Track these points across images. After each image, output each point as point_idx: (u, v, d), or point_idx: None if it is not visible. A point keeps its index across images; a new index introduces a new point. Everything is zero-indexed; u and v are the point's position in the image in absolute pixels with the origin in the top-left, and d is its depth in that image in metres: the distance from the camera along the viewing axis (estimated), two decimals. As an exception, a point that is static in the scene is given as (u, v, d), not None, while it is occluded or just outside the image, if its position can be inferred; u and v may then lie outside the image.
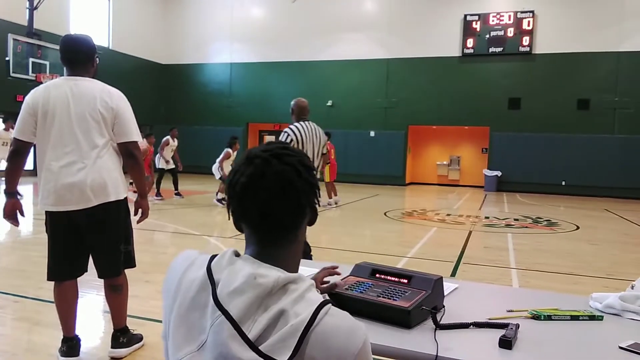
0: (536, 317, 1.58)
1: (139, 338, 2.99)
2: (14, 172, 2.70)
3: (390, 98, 19.14)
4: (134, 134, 2.71)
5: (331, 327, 0.84)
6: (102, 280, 2.82)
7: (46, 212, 2.65)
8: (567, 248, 7.00)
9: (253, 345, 0.82)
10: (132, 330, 2.96)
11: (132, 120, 2.73)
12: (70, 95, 2.59)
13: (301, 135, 4.42)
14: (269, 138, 22.60)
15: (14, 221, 2.74)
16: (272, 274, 0.88)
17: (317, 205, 0.99)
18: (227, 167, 10.63)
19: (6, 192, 2.72)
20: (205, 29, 21.61)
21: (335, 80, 19.72)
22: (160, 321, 3.35)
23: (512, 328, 1.42)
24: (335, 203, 11.50)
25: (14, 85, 14.62)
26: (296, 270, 0.96)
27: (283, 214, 0.93)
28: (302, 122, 4.53)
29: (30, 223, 7.24)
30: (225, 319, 0.84)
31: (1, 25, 14.86)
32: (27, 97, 2.65)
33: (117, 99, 2.67)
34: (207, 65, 21.78)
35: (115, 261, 2.74)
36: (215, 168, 10.84)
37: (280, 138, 4.41)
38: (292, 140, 4.36)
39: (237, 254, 0.95)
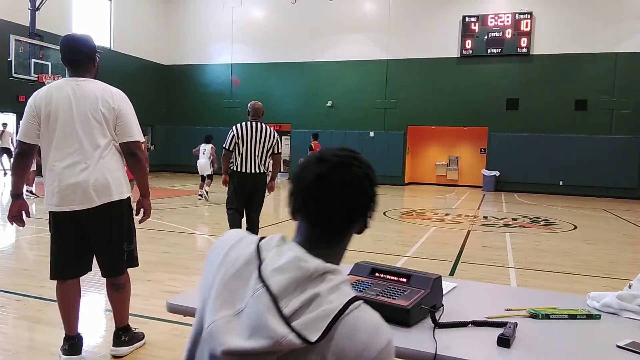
0: (534, 316, 1.61)
1: (140, 337, 3.00)
2: (21, 174, 2.72)
3: (389, 99, 19.17)
4: (136, 133, 2.73)
5: (360, 321, 0.89)
6: (105, 279, 2.84)
7: (50, 212, 2.66)
8: (565, 247, 7.03)
9: (286, 321, 0.87)
10: (133, 329, 2.97)
11: (134, 120, 2.74)
12: (72, 96, 2.60)
13: (244, 132, 5.24)
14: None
15: (20, 222, 2.75)
16: (314, 261, 0.93)
17: (370, 218, 1.04)
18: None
19: (13, 193, 2.73)
20: (206, 29, 21.62)
21: (335, 81, 19.74)
22: (162, 319, 3.39)
23: (510, 327, 1.44)
24: None
25: (16, 86, 14.62)
26: (338, 264, 1.02)
27: (338, 218, 0.99)
28: (250, 122, 5.31)
29: (32, 222, 7.25)
30: (264, 292, 0.89)
31: (3, 25, 14.86)
32: (29, 100, 2.66)
33: (118, 99, 2.68)
34: (208, 66, 21.79)
35: (118, 260, 2.76)
36: (206, 164, 11.40)
37: (228, 133, 5.33)
38: (234, 135, 5.25)
39: (284, 240, 1.01)
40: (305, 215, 1.01)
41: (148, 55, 21.49)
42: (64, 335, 2.75)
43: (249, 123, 5.31)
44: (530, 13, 17.32)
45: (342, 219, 0.99)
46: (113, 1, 19.90)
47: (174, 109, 22.17)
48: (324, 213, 0.98)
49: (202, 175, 11.53)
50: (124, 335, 2.87)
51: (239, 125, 5.31)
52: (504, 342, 1.37)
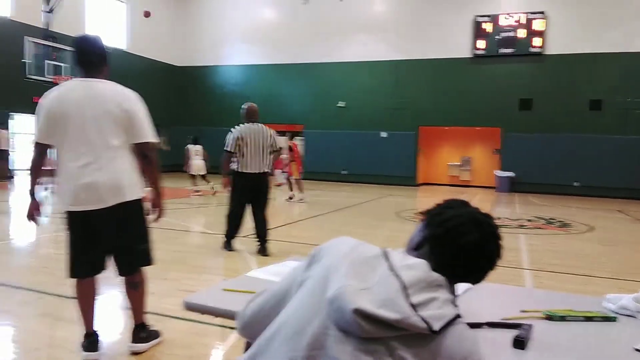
0: (550, 317, 1.61)
1: (157, 334, 3.04)
2: (37, 174, 2.79)
3: (400, 99, 19.12)
4: (148, 134, 2.74)
5: (466, 332, 1.04)
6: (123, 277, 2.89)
7: (65, 211, 2.70)
8: (581, 249, 6.97)
9: (413, 306, 0.99)
10: (149, 326, 3.01)
11: (146, 121, 2.76)
12: (84, 97, 2.62)
13: (245, 133, 5.44)
14: (280, 139, 22.63)
15: (37, 220, 2.81)
16: (435, 274, 1.08)
17: (482, 279, 1.25)
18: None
19: (30, 193, 2.80)
20: (219, 31, 21.75)
21: (346, 82, 19.74)
22: (178, 318, 3.43)
23: (525, 328, 1.44)
24: (290, 198, 11.93)
25: (31, 87, 14.84)
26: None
27: (469, 272, 1.21)
28: (248, 123, 5.54)
29: (52, 222, 7.37)
30: (395, 279, 1.03)
31: (18, 27, 15.08)
32: (42, 101, 2.69)
33: (131, 100, 2.70)
34: (221, 67, 21.91)
35: (132, 259, 2.80)
36: (202, 164, 12.45)
37: (227, 136, 5.51)
38: (235, 137, 5.43)
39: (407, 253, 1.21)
40: (445, 258, 1.17)
41: (162, 56, 21.67)
42: (84, 332, 2.79)
43: (248, 124, 5.50)
44: (543, 12, 17.17)
45: (471, 272, 1.21)
46: (128, 3, 20.09)
47: (189, 110, 22.33)
48: (461, 264, 1.17)
49: (195, 175, 12.40)
50: (142, 332, 2.91)
51: (239, 127, 5.47)
52: (520, 343, 1.37)
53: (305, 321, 1.03)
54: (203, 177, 12.46)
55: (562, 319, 1.60)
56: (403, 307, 0.98)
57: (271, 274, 2.01)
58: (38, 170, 2.79)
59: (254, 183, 5.49)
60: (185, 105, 22.44)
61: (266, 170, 5.54)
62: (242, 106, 5.74)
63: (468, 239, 1.16)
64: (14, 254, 5.58)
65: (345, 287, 1.01)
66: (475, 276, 1.23)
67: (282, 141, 6.71)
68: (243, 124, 5.55)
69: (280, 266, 2.16)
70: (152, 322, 3.37)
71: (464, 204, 1.26)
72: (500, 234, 1.22)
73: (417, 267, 1.07)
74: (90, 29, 18.00)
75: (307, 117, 20.39)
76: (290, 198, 11.87)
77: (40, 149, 2.71)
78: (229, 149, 5.46)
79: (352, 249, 1.12)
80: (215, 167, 9.82)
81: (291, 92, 20.49)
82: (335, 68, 19.92)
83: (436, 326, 0.97)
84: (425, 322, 0.97)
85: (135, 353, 2.87)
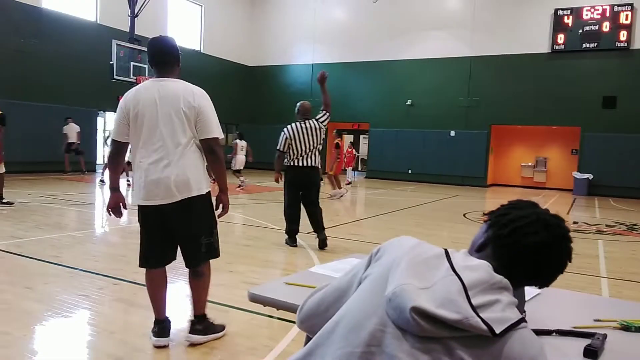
0: (626, 328, 1.51)
1: (219, 328, 3.06)
2: (115, 170, 3.01)
3: (472, 97, 18.56)
4: (215, 131, 2.82)
5: (530, 337, 0.99)
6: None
7: (138, 205, 2.86)
8: (667, 259, 6.45)
9: (473, 307, 0.97)
10: (212, 320, 3.05)
11: (214, 117, 2.84)
12: (157, 96, 2.75)
13: (295, 132, 5.70)
14: (347, 137, 22.72)
15: (118, 213, 2.98)
16: (499, 275, 1.05)
17: (550, 283, 1.19)
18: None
19: (110, 187, 2.99)
20: (290, 31, 22.14)
21: (416, 79, 19.44)
22: (242, 309, 3.53)
23: (599, 338, 1.37)
24: (333, 196, 11.76)
25: (117, 87, 15.83)
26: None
27: (534, 275, 1.15)
28: (300, 122, 5.78)
29: (131, 213, 7.84)
30: (457, 280, 1.01)
31: (107, 31, 16.15)
32: (120, 101, 2.88)
33: (199, 98, 2.79)
34: (290, 67, 22.31)
35: (197, 251, 2.87)
36: (244, 159, 13.17)
37: (280, 138, 5.76)
38: (286, 137, 5.70)
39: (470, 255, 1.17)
40: (507, 262, 1.13)
41: (234, 57, 22.39)
42: (155, 319, 2.94)
43: (299, 124, 5.76)
44: (632, 4, 16.01)
45: (535, 274, 1.15)
46: (204, 6, 20.92)
47: (258, 109, 22.91)
48: (531, 270, 1.13)
49: (237, 169, 13.04)
50: (199, 324, 2.96)
51: (289, 126, 5.75)
52: (592, 353, 1.30)
53: (363, 317, 1.03)
54: (237, 171, 13.17)
55: (640, 330, 1.50)
56: (463, 308, 0.96)
57: (332, 270, 2.03)
58: (116, 165, 3.00)
59: (304, 175, 5.76)
60: (256, 103, 23.04)
61: (315, 164, 5.79)
62: (297, 104, 5.99)
63: (534, 239, 1.11)
64: (95, 243, 5.98)
65: (404, 285, 1.00)
66: (542, 280, 1.16)
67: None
68: (296, 121, 5.81)
69: (341, 263, 2.17)
70: (218, 312, 3.49)
71: (532, 204, 1.20)
72: (570, 236, 1.16)
73: (480, 269, 1.04)
74: (171, 32, 18.93)
75: (373, 116, 20.29)
76: (332, 196, 11.77)
77: (116, 146, 2.90)
78: (279, 148, 5.76)
79: (412, 248, 1.11)
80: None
81: (359, 90, 20.47)
82: (404, 65, 19.67)
83: (498, 329, 0.94)
84: (487, 324, 0.94)
85: (192, 344, 2.94)
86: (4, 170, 7.94)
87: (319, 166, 5.90)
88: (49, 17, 15.30)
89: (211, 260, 3.00)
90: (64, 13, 15.72)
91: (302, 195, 5.86)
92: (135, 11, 15.65)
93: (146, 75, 14.64)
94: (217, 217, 3.00)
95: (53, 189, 11.10)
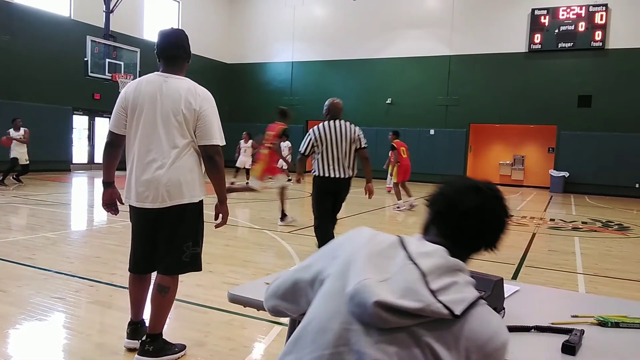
0: (603, 323, 1.53)
1: (176, 349, 2.76)
2: (110, 163, 2.76)
3: (451, 95, 18.74)
4: (216, 137, 2.63)
5: (488, 314, 1.03)
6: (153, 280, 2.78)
7: (129, 205, 2.70)
8: (640, 254, 6.61)
9: (433, 293, 0.99)
10: (168, 341, 2.74)
11: (215, 123, 2.65)
12: (159, 92, 2.58)
13: (323, 134, 4.80)
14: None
15: (113, 210, 2.82)
16: (452, 258, 1.08)
17: (498, 243, 1.22)
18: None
19: (104, 182, 2.79)
20: (269, 28, 22.05)
21: (395, 78, 19.55)
22: (222, 310, 3.49)
23: (576, 334, 1.38)
24: (398, 207, 10.46)
25: (92, 84, 15.56)
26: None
27: (478, 237, 1.19)
28: (329, 122, 4.86)
29: (105, 213, 7.70)
30: (414, 268, 1.03)
31: (81, 27, 15.85)
32: (122, 91, 2.71)
33: (201, 101, 2.60)
34: (269, 64, 22.21)
35: (180, 259, 2.67)
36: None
37: (304, 139, 4.94)
38: (311, 139, 4.82)
39: (422, 238, 1.19)
40: (451, 233, 1.17)
41: (212, 54, 22.19)
42: (129, 320, 2.86)
43: (328, 123, 4.83)
44: (606, 5, 16.36)
45: (484, 240, 1.19)
46: (181, 3, 20.68)
47: (237, 107, 22.76)
48: (474, 234, 1.18)
49: (242, 168, 13.73)
50: (150, 344, 2.65)
51: (316, 127, 4.84)
52: (569, 349, 1.31)
53: (328, 319, 1.04)
54: (247, 171, 13.47)
55: (616, 325, 1.52)
56: (424, 295, 0.98)
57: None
58: (110, 158, 2.75)
59: (336, 188, 4.92)
60: (234, 101, 22.88)
61: (350, 175, 4.94)
62: (325, 103, 5.08)
63: (468, 204, 1.17)
64: (70, 244, 5.86)
65: (364, 281, 1.01)
66: (488, 241, 1.20)
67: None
68: (324, 122, 4.90)
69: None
70: (198, 313, 3.45)
71: (461, 178, 1.25)
72: (501, 195, 1.22)
73: (435, 254, 1.07)
74: (147, 29, 18.68)
75: (353, 114, 20.28)
76: (399, 207, 10.45)
77: (112, 137, 2.70)
78: (302, 152, 4.91)
79: (368, 241, 1.12)
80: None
81: (338, 88, 20.46)
82: (383, 64, 19.76)
83: (457, 310, 0.97)
84: (447, 307, 0.97)
85: (130, 349, 2.77)
86: None
87: (352, 176, 5.04)
88: (21, 12, 14.95)
89: (191, 273, 2.82)
90: (36, 8, 15.37)
91: (331, 206, 5.06)
92: (111, 7, 15.40)
93: (122, 72, 14.41)
94: (215, 227, 2.88)
95: (25, 189, 10.85)
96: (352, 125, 4.90)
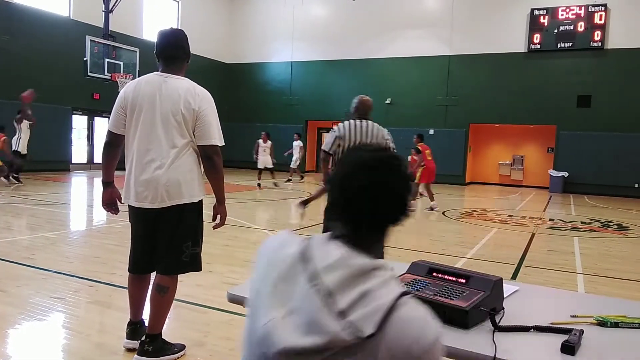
0: (602, 323, 1.53)
1: (175, 349, 2.76)
2: (109, 163, 2.76)
3: (451, 95, 18.73)
4: (215, 137, 2.63)
5: (410, 315, 0.90)
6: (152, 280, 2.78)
7: (128, 205, 2.70)
8: (639, 254, 6.61)
9: (340, 316, 0.89)
10: (168, 341, 2.75)
11: (214, 123, 2.64)
12: (158, 92, 2.58)
13: (349, 131, 4.35)
14: (327, 135, 22.73)
15: (113, 209, 2.81)
16: (362, 258, 0.96)
17: (406, 212, 1.05)
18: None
19: (103, 182, 2.79)
20: (268, 28, 22.03)
21: (395, 78, 19.54)
22: (222, 310, 3.49)
23: (575, 334, 1.38)
24: (431, 209, 10.35)
25: (92, 84, 15.54)
26: (382, 258, 1.03)
27: (371, 213, 1.01)
28: (356, 120, 4.44)
29: (105, 213, 7.70)
30: (316, 290, 0.92)
31: (80, 27, 15.84)
32: (121, 91, 2.71)
33: (200, 101, 2.60)
34: (269, 64, 22.20)
35: (176, 260, 2.67)
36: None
37: (328, 134, 4.49)
38: (337, 136, 4.39)
39: (328, 238, 1.03)
40: (342, 213, 1.03)
41: (212, 54, 22.17)
42: (128, 321, 2.86)
43: (355, 122, 4.45)
44: (605, 5, 16.36)
45: (374, 213, 1.01)
46: (180, 2, 20.67)
47: (236, 107, 22.75)
48: (358, 209, 1.01)
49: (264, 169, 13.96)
50: (150, 344, 2.66)
51: (342, 124, 4.45)
52: (569, 349, 1.31)
53: (249, 355, 1.01)
54: (270, 171, 13.90)
55: (616, 325, 1.52)
56: (330, 326, 0.88)
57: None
58: (109, 158, 2.75)
59: None
60: (233, 101, 22.87)
61: None
62: (353, 100, 4.76)
63: (357, 184, 1.01)
64: (69, 244, 5.86)
65: (268, 324, 0.93)
66: (391, 217, 1.03)
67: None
68: (351, 120, 4.55)
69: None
70: (197, 313, 3.45)
71: (355, 150, 1.08)
72: (395, 164, 1.03)
73: (339, 265, 0.94)
74: (147, 29, 18.67)
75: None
76: (432, 208, 10.34)
77: (112, 137, 2.70)
78: (326, 149, 4.49)
79: (272, 257, 1.03)
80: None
81: (338, 88, 20.48)
82: (383, 64, 19.75)
83: (368, 329, 0.87)
84: (355, 332, 0.87)
85: (130, 349, 2.77)
86: None
87: None
88: (21, 12, 14.92)
89: (190, 273, 2.82)
90: (36, 8, 15.34)
91: None
92: (110, 7, 15.39)
93: (121, 72, 14.41)
94: (213, 228, 2.87)
95: (25, 189, 10.84)
96: (381, 128, 4.50)
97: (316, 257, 0.98)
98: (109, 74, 14.16)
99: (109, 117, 2.78)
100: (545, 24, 17.14)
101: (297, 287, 0.96)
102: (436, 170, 11.42)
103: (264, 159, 13.93)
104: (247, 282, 1.08)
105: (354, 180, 1.01)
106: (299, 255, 1.00)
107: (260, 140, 14.13)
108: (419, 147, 10.99)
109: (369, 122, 4.46)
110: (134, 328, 2.84)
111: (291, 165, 16.14)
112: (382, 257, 1.04)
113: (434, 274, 1.67)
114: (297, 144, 16.54)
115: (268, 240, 1.11)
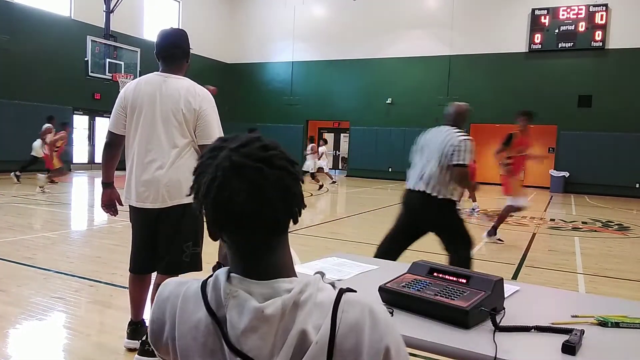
0: (603, 323, 1.52)
1: None
2: (109, 164, 2.76)
3: (451, 95, 18.69)
4: (215, 137, 2.54)
5: (353, 325, 0.79)
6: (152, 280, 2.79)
7: (129, 205, 2.70)
8: (640, 254, 6.61)
9: None
10: None
11: (215, 122, 2.65)
12: (158, 92, 2.58)
13: (424, 136, 4.05)
14: (328, 135, 22.74)
15: (112, 211, 2.81)
16: (277, 301, 0.79)
17: (302, 207, 0.87)
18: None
19: (103, 182, 2.79)
20: (269, 28, 22.03)
21: (396, 78, 19.53)
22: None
23: (576, 334, 1.37)
24: (474, 210, 10.57)
25: (92, 84, 15.54)
26: (293, 269, 0.87)
27: (279, 218, 0.83)
28: (446, 126, 3.99)
29: (105, 213, 7.70)
30: None
31: (81, 27, 15.84)
32: (121, 91, 2.71)
33: (200, 100, 2.60)
34: (269, 64, 22.20)
35: (177, 260, 2.66)
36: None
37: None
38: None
39: (227, 276, 0.85)
40: (243, 230, 0.82)
41: (213, 54, 22.18)
42: (129, 320, 2.86)
43: (436, 127, 4.07)
44: (606, 5, 16.35)
45: (282, 215, 0.83)
46: (181, 2, 20.68)
47: (237, 107, 22.75)
48: (262, 218, 0.81)
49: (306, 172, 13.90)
50: (150, 344, 2.76)
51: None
52: (569, 349, 1.30)
53: None
54: (312, 175, 13.84)
55: (616, 325, 1.52)
56: None
57: (313, 269, 2.01)
58: (109, 159, 2.75)
59: (408, 204, 3.88)
60: (234, 101, 22.87)
61: (424, 190, 3.68)
62: (451, 109, 4.34)
63: (235, 199, 0.80)
64: (70, 244, 5.86)
65: None
66: (284, 222, 0.84)
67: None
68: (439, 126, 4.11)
69: (322, 262, 2.16)
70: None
71: (216, 149, 0.87)
72: (279, 161, 0.83)
73: (257, 325, 0.79)
74: (148, 28, 18.67)
75: (353, 114, 20.32)
76: (473, 209, 10.77)
77: (112, 138, 2.70)
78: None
79: (180, 328, 0.86)
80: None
81: (339, 88, 20.48)
82: (383, 64, 19.75)
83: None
84: None
85: (130, 349, 2.78)
86: None
87: (438, 197, 3.72)
88: (22, 12, 14.93)
89: (193, 273, 2.80)
90: (37, 8, 15.35)
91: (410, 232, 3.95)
92: (111, 7, 15.40)
93: (122, 72, 14.41)
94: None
95: (25, 189, 10.85)
96: (451, 136, 3.81)
97: (228, 319, 0.80)
98: (110, 74, 14.16)
99: (109, 118, 2.78)
100: (546, 24, 17.13)
101: None
102: (481, 171, 11.63)
103: (310, 162, 14.16)
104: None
105: (229, 194, 0.81)
106: (210, 321, 0.82)
107: (312, 146, 14.60)
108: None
109: (445, 127, 4.02)
110: (135, 328, 2.83)
111: (325, 171, 15.93)
112: (291, 265, 0.88)
113: (435, 274, 1.67)
114: (322, 149, 16.53)
115: (161, 301, 0.90)
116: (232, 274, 0.85)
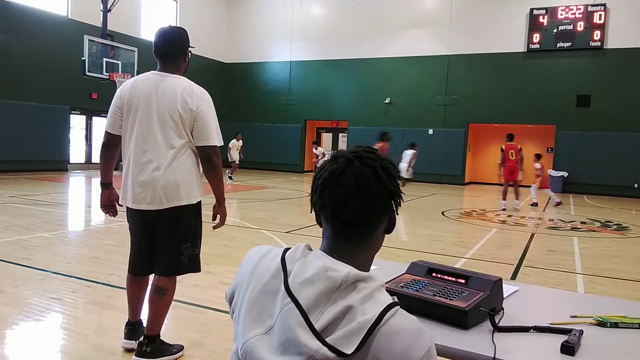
0: (602, 324, 1.52)
1: (173, 350, 2.74)
2: (107, 164, 2.73)
3: (450, 95, 18.74)
4: (214, 137, 2.58)
5: (396, 329, 0.85)
6: (150, 282, 2.77)
7: (126, 206, 2.68)
8: (638, 254, 6.61)
9: (319, 335, 0.83)
10: (165, 342, 2.73)
11: (213, 123, 2.60)
12: (155, 92, 2.53)
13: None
14: (326, 135, 22.75)
15: (111, 211, 2.79)
16: (343, 269, 0.89)
17: (395, 214, 1.00)
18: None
19: (101, 183, 2.76)
20: (267, 28, 22.02)
21: (394, 78, 19.53)
22: (220, 310, 3.48)
23: (575, 334, 1.37)
24: (514, 208, 10.89)
25: (90, 84, 15.52)
26: (367, 270, 0.95)
27: (355, 212, 0.94)
28: None
29: (102, 213, 7.68)
30: (294, 306, 0.86)
31: (78, 26, 15.81)
32: (117, 90, 2.68)
33: (198, 100, 2.55)
34: (267, 64, 22.19)
35: (175, 261, 2.64)
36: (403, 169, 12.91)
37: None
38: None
39: (310, 248, 0.97)
40: (325, 214, 0.97)
41: (211, 53, 22.15)
42: (126, 321, 2.85)
43: None
44: (604, 5, 16.36)
45: (360, 211, 0.94)
46: (179, 1, 20.66)
47: (235, 107, 22.74)
48: (339, 206, 0.94)
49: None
50: (147, 345, 2.63)
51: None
52: (568, 349, 1.30)
53: None
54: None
55: (615, 325, 1.51)
56: (306, 343, 0.83)
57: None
58: (107, 159, 2.72)
59: None
60: (232, 101, 22.86)
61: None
62: None
63: (323, 175, 0.97)
64: (67, 244, 5.84)
65: (247, 344, 0.90)
66: (363, 219, 0.95)
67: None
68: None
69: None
70: (196, 314, 3.44)
71: (336, 157, 0.99)
72: (375, 156, 0.97)
73: (316, 280, 0.87)
74: (145, 28, 18.65)
75: (351, 114, 20.32)
76: (515, 207, 11.09)
77: (109, 138, 2.67)
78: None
79: (253, 270, 0.97)
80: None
81: (337, 88, 20.48)
82: (382, 63, 19.75)
83: (349, 349, 0.82)
84: (336, 351, 0.82)
85: (128, 350, 2.76)
86: None
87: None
88: (19, 11, 14.89)
89: (190, 274, 2.80)
90: (34, 7, 15.30)
91: None
92: (108, 6, 15.38)
93: (120, 72, 14.39)
94: (212, 228, 2.84)
95: (22, 189, 10.83)
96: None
97: (295, 270, 0.91)
98: (107, 74, 14.15)
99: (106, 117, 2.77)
100: (545, 24, 17.14)
101: (277, 303, 0.90)
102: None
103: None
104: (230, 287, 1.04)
105: (325, 172, 0.96)
106: (279, 267, 0.94)
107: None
108: (503, 147, 11.82)
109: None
110: (132, 328, 2.82)
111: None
112: (368, 269, 0.98)
113: (434, 274, 1.66)
114: (319, 150, 16.50)
115: (249, 253, 1.05)
116: (315, 249, 0.98)
